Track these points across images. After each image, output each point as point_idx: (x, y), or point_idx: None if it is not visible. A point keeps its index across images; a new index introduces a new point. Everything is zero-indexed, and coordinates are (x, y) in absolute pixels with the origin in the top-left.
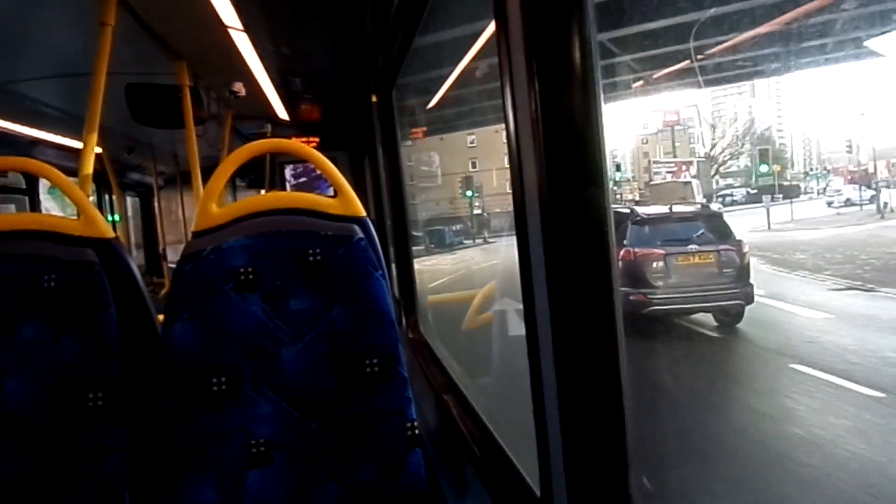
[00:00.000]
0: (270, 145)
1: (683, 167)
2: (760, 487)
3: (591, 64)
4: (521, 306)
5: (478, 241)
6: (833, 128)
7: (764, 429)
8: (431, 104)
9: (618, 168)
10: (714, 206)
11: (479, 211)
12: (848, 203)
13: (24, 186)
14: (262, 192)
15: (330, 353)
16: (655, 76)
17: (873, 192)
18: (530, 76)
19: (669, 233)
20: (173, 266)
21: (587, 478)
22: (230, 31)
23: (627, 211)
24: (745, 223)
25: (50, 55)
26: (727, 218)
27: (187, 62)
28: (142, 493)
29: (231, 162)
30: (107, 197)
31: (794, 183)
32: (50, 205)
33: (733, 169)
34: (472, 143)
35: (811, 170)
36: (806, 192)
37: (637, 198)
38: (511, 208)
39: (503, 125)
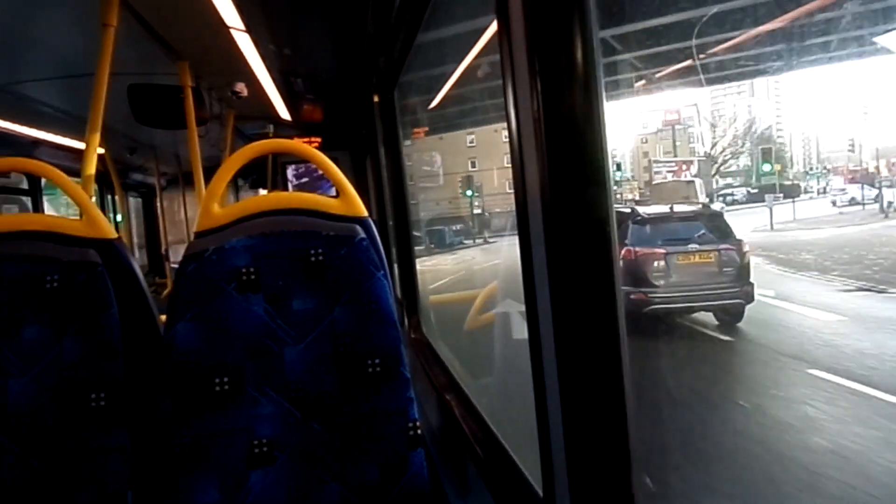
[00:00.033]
0: (272, 145)
1: (684, 166)
2: None
3: (593, 63)
4: (522, 306)
5: (478, 241)
6: (832, 127)
7: (788, 440)
8: (432, 104)
9: (618, 167)
10: (717, 206)
11: (478, 210)
12: (853, 202)
13: (26, 187)
14: (261, 191)
15: (332, 353)
16: (658, 75)
17: (877, 192)
18: (532, 76)
19: (670, 232)
20: (176, 266)
21: (590, 478)
22: (232, 31)
23: (628, 210)
24: (747, 223)
25: (52, 56)
26: (729, 217)
27: (189, 63)
28: (144, 494)
29: (233, 162)
30: (109, 197)
31: (795, 182)
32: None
33: (733, 168)
34: (471, 142)
35: (811, 169)
36: (806, 192)
37: (637, 197)
38: (511, 208)
39: (502, 124)
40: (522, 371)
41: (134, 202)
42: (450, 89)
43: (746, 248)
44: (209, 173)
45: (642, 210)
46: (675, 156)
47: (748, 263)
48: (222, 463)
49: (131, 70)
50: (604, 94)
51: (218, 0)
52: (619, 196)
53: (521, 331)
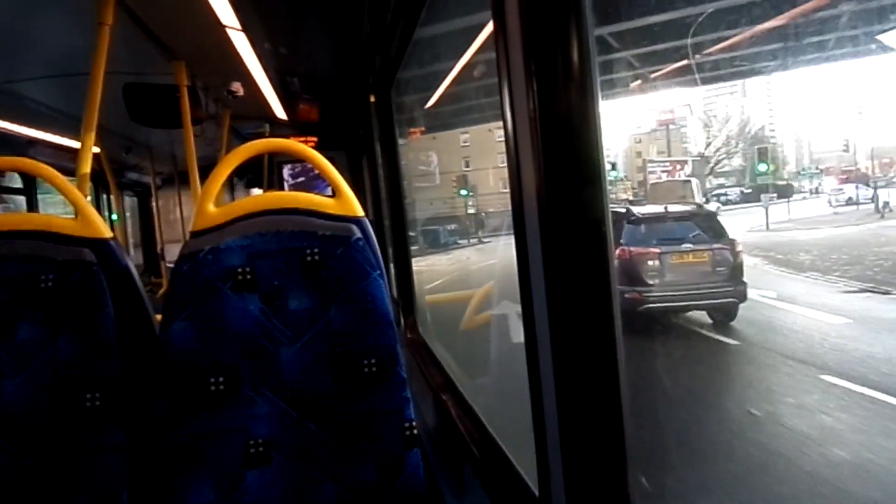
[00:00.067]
0: (268, 145)
1: (678, 166)
2: None
3: (589, 64)
4: (518, 307)
5: (472, 240)
6: (824, 128)
7: (808, 453)
8: (427, 103)
9: (612, 167)
10: (713, 206)
11: (473, 210)
12: (849, 202)
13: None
14: (254, 191)
15: (328, 353)
16: (654, 75)
17: (872, 192)
18: (528, 76)
19: (664, 232)
20: (171, 266)
21: (585, 477)
22: (228, 30)
23: (623, 210)
24: (742, 223)
25: (47, 55)
26: (724, 217)
27: (185, 62)
28: (140, 494)
29: (229, 162)
30: (105, 196)
31: (789, 182)
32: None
33: (726, 168)
34: (465, 141)
35: (803, 169)
36: (799, 192)
37: (631, 197)
38: (505, 208)
39: (496, 123)
40: (518, 371)
41: (129, 201)
42: (444, 88)
43: (739, 248)
44: (205, 173)
45: (637, 210)
46: (670, 156)
47: (741, 263)
48: (218, 463)
49: (127, 69)
50: (599, 94)
51: None
52: (613, 196)
53: (517, 330)
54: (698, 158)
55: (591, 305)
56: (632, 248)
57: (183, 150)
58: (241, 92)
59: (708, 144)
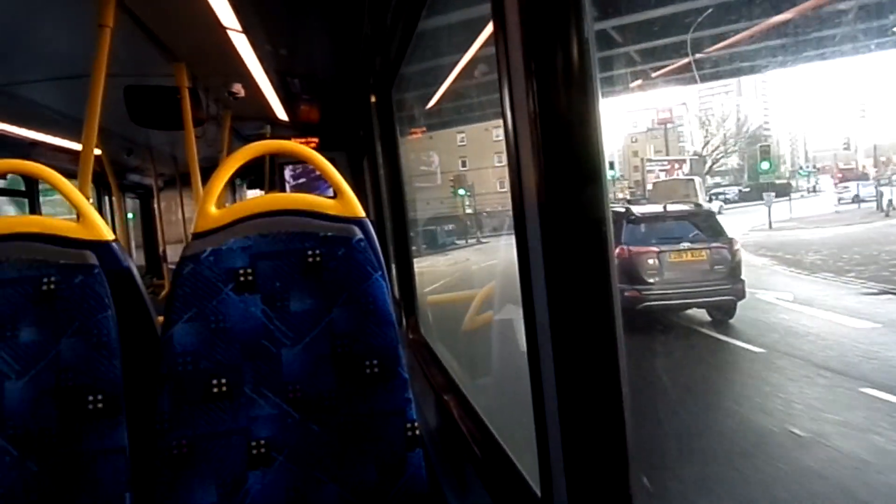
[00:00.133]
0: (269, 146)
1: (676, 165)
2: None
3: (589, 63)
4: (520, 307)
5: (471, 241)
6: (821, 126)
7: (871, 483)
8: (426, 104)
9: (610, 167)
10: (715, 205)
11: (470, 210)
12: (856, 199)
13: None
14: (249, 193)
15: (330, 354)
16: (654, 75)
17: (874, 190)
18: (528, 76)
19: (663, 231)
20: (173, 267)
21: (587, 477)
22: (229, 32)
23: (623, 210)
24: (744, 221)
25: (49, 57)
26: (725, 216)
27: (186, 63)
28: (143, 495)
29: (230, 163)
30: (106, 198)
31: (788, 181)
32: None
33: (723, 168)
34: (462, 141)
35: (800, 168)
36: (797, 191)
37: (629, 196)
38: (503, 207)
39: (493, 122)
40: (521, 371)
41: (131, 203)
42: (442, 87)
43: (738, 247)
44: (206, 174)
45: (636, 209)
46: (668, 155)
47: (739, 261)
48: (220, 464)
49: (128, 71)
50: (600, 94)
51: (214, 1)
52: (611, 196)
53: (519, 331)
54: (696, 157)
55: (592, 305)
56: (631, 248)
57: (184, 152)
58: (241, 93)
59: (706, 143)
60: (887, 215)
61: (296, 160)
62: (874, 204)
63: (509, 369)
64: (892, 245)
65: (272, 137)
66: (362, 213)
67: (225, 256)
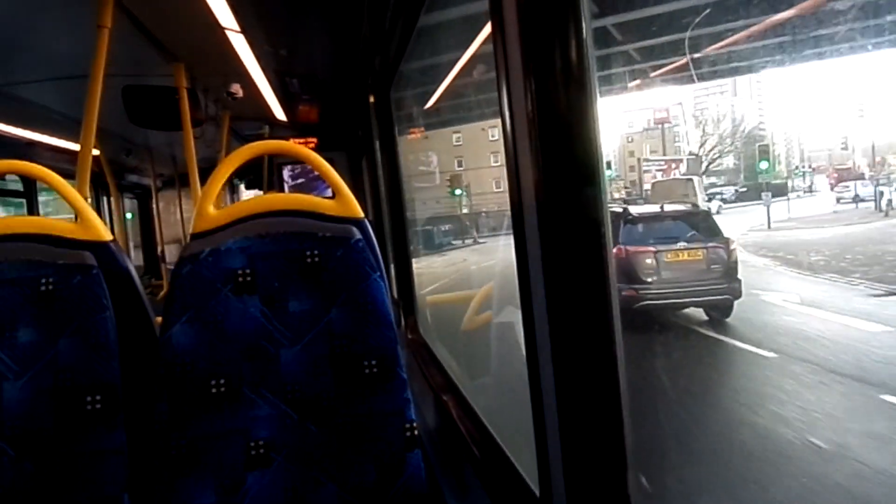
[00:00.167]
0: (268, 147)
1: (673, 165)
2: None
3: (587, 63)
4: (519, 308)
5: (468, 241)
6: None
7: None
8: (424, 104)
9: (608, 166)
10: (714, 204)
11: (467, 210)
12: (856, 199)
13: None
14: (245, 193)
15: (328, 354)
16: (652, 74)
17: (873, 189)
18: (526, 75)
19: (660, 231)
20: (171, 268)
21: (586, 477)
22: (227, 32)
23: (620, 210)
24: (741, 221)
25: (47, 58)
26: (723, 216)
27: (184, 64)
28: (141, 496)
29: (229, 163)
30: (105, 199)
31: (787, 180)
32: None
33: (720, 167)
34: (458, 140)
35: (796, 168)
36: (793, 190)
37: (625, 196)
38: (499, 208)
39: (490, 122)
40: (520, 372)
41: (130, 203)
42: (440, 88)
43: (734, 247)
44: (205, 174)
45: (634, 209)
46: (664, 155)
47: (736, 261)
48: (219, 465)
49: (126, 71)
50: (598, 93)
51: (213, 1)
52: (610, 195)
53: (518, 331)
54: (693, 157)
55: (591, 305)
56: (629, 247)
57: (183, 152)
58: (240, 93)
59: (702, 143)
60: (886, 215)
61: (294, 160)
62: (872, 204)
63: (508, 369)
64: (894, 245)
65: (271, 138)
66: (361, 214)
67: (223, 257)
